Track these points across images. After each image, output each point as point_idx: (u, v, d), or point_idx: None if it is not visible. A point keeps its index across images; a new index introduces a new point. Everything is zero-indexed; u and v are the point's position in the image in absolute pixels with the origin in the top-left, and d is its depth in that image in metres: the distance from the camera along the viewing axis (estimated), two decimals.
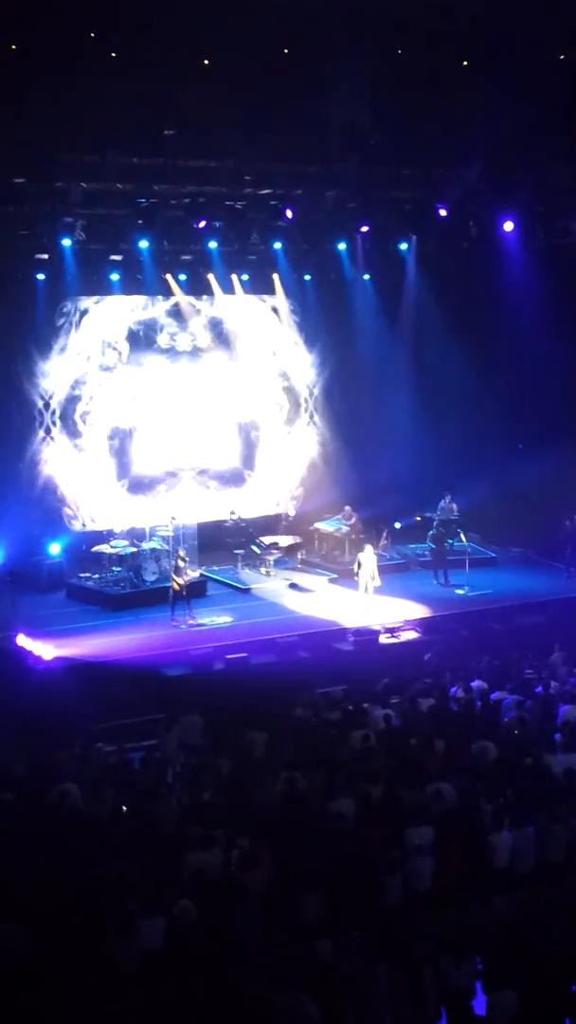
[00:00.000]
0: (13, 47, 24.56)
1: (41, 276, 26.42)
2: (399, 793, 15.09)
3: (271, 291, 29.57)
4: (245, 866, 13.38)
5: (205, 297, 28.90)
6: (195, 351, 29.20)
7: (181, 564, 24.50)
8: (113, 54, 25.35)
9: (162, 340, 28.75)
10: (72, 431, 27.88)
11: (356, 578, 25.46)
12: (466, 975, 11.88)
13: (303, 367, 30.49)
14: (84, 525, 27.82)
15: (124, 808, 15.39)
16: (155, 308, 28.57)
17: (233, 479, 29.92)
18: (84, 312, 27.75)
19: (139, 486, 28.75)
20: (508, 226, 27.72)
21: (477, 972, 12.05)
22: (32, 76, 24.07)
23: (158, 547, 26.63)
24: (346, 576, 26.65)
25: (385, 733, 17.58)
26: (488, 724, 17.88)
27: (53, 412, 27.59)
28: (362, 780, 15.52)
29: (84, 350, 27.83)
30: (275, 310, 29.91)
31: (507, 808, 14.67)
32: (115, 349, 28.21)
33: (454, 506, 28.10)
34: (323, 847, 13.90)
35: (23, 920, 12.04)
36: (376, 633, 23.67)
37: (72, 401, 27.82)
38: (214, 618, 24.57)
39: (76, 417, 27.89)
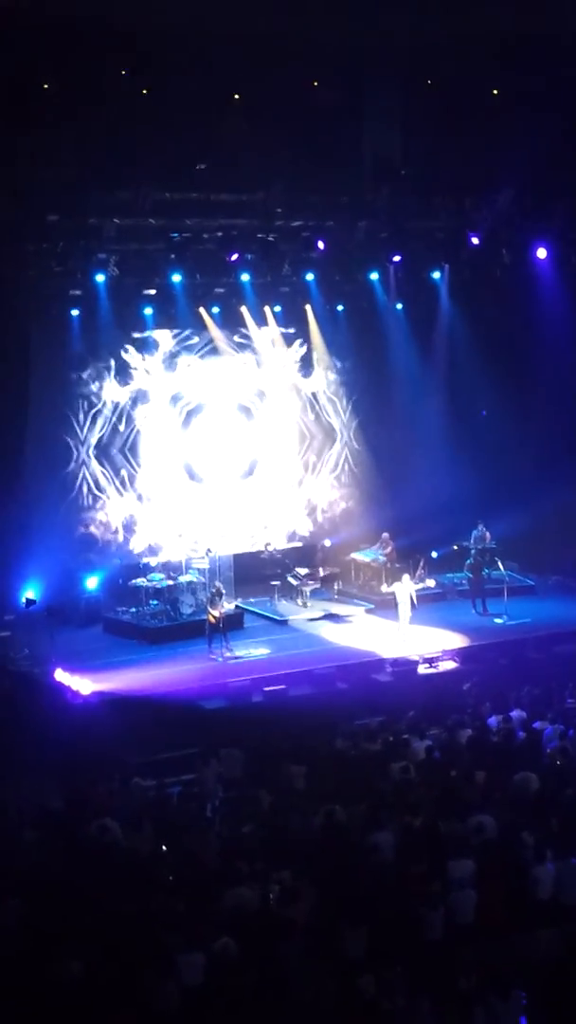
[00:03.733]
0: (45, 86, 24.76)
1: (75, 312, 26.51)
2: (440, 826, 14.95)
3: (304, 322, 29.58)
4: (286, 901, 13.28)
5: (238, 329, 28.92)
6: (230, 383, 29.17)
7: (217, 596, 24.47)
8: (144, 91, 25.50)
9: (198, 374, 28.74)
10: (112, 464, 27.89)
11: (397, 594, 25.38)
12: (512, 1011, 11.71)
13: (337, 397, 30.47)
14: (120, 560, 27.79)
15: (164, 843, 15.32)
16: (190, 342, 28.58)
17: (268, 508, 29.88)
18: (125, 347, 27.82)
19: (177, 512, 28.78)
20: (541, 253, 27.63)
21: (522, 1007, 11.89)
22: (64, 113, 24.28)
23: (194, 580, 26.59)
24: (383, 606, 26.51)
25: (425, 764, 17.44)
26: (529, 755, 17.70)
27: (90, 445, 27.63)
28: (403, 812, 15.39)
29: (123, 384, 27.88)
30: (308, 341, 29.89)
31: (550, 840, 14.51)
32: (153, 383, 28.23)
33: (487, 534, 27.94)
34: (365, 881, 13.78)
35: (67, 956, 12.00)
36: (414, 663, 23.54)
37: (111, 434, 27.85)
38: (251, 650, 24.50)
39: (114, 450, 27.91)
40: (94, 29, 23.20)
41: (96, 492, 27.81)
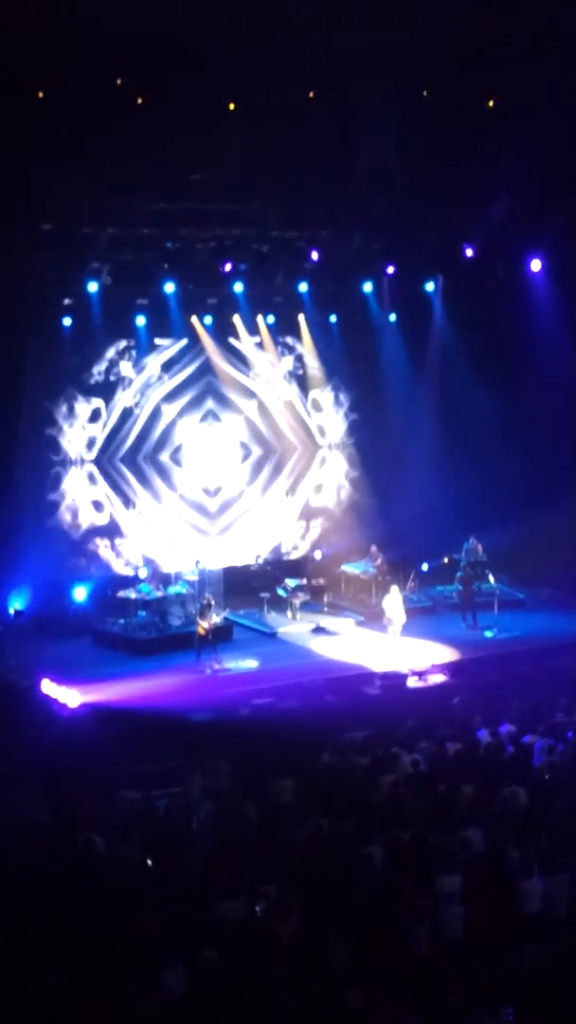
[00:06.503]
0: (41, 94, 24.72)
1: (68, 321, 26.42)
2: (428, 840, 14.82)
3: (297, 333, 29.50)
4: (272, 914, 13.14)
5: (231, 339, 28.80)
6: (221, 395, 29.01)
7: (207, 608, 24.35)
8: (139, 99, 25.49)
9: (188, 382, 28.56)
10: (102, 474, 27.77)
11: (385, 622, 25.36)
12: None
13: (328, 408, 30.37)
14: (109, 571, 27.66)
15: (149, 855, 15.19)
16: (181, 350, 28.40)
17: (258, 521, 29.75)
18: (117, 357, 27.69)
19: (170, 526, 28.65)
20: (536, 265, 27.62)
21: (509, 1023, 11.75)
22: (59, 122, 24.24)
23: (183, 591, 26.47)
24: (373, 619, 26.40)
25: (413, 778, 17.31)
26: (518, 769, 17.58)
27: (81, 455, 27.47)
28: (391, 827, 15.26)
29: (114, 393, 27.75)
30: (300, 351, 29.79)
31: (539, 855, 14.38)
32: (144, 394, 28.09)
33: (479, 547, 27.86)
34: (352, 895, 13.65)
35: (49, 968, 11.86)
36: (404, 677, 23.44)
37: (101, 444, 27.72)
38: (240, 663, 24.39)
39: (105, 461, 27.78)
40: (89, 38, 23.18)
41: (86, 502, 27.66)
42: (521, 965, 12.74)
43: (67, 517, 27.51)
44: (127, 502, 28.15)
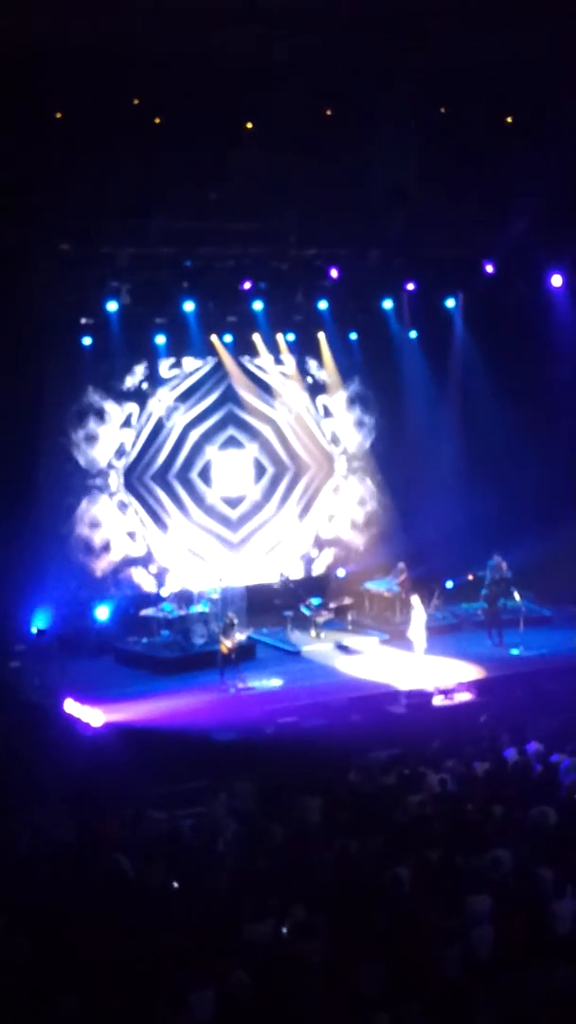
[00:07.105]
0: (58, 115, 24.79)
1: (87, 341, 26.40)
2: (456, 860, 14.68)
3: (317, 350, 29.42)
4: (300, 936, 13.01)
5: (250, 357, 28.73)
6: (242, 421, 28.91)
7: (230, 627, 24.28)
8: (157, 119, 25.54)
9: (210, 403, 28.52)
10: (124, 493, 27.68)
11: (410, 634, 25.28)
12: None
13: (350, 426, 30.26)
14: (131, 590, 27.60)
15: (175, 876, 15.08)
16: (202, 371, 28.37)
17: (281, 538, 29.65)
18: (136, 375, 27.65)
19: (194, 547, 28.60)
20: (556, 281, 27.55)
21: None
22: (77, 143, 24.32)
23: (206, 610, 26.40)
24: (397, 637, 26.28)
25: (440, 798, 17.18)
26: (547, 788, 17.42)
27: (101, 474, 27.39)
28: (419, 847, 15.12)
29: (135, 413, 27.71)
30: (320, 369, 29.69)
31: (570, 874, 14.21)
32: (165, 411, 28.04)
33: (504, 564, 27.65)
34: (380, 916, 13.51)
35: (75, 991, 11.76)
36: (430, 695, 23.29)
37: (122, 463, 27.66)
38: (264, 681, 24.29)
39: (132, 479, 27.70)
40: (106, 59, 23.23)
41: (108, 521, 27.59)
42: (552, 986, 12.58)
43: (89, 535, 27.38)
44: (159, 522, 28.01)
